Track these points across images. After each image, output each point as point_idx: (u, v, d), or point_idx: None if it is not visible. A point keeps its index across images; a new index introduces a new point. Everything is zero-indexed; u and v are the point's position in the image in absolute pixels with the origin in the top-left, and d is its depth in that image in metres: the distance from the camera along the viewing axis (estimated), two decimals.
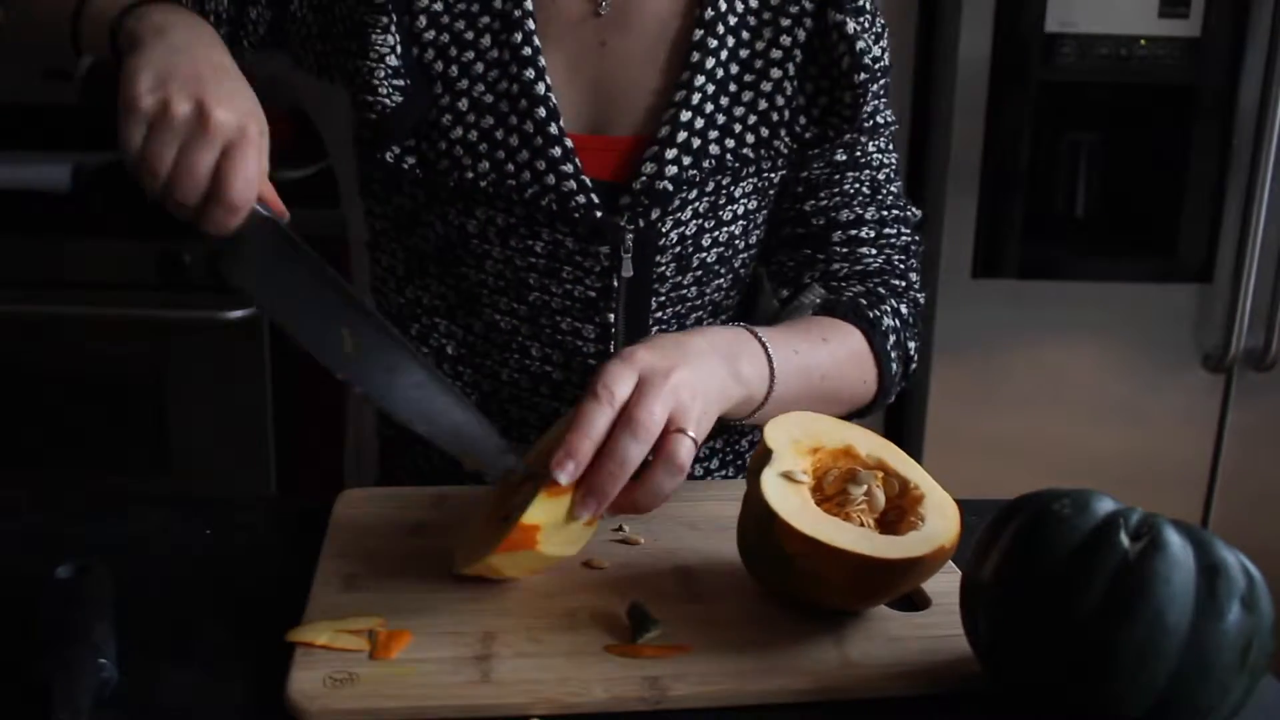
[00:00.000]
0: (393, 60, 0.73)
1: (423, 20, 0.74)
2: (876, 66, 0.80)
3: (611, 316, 0.77)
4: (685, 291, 0.79)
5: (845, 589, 0.59)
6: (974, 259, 1.63)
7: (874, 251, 0.81)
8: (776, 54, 0.77)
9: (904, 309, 0.80)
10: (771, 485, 0.59)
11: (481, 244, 0.76)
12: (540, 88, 0.74)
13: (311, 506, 0.72)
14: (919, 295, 0.82)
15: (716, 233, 0.78)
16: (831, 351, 0.74)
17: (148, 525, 0.70)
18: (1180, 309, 1.65)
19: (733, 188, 0.77)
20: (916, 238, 0.84)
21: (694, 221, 0.77)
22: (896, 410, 1.79)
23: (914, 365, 0.81)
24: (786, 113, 0.78)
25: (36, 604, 0.57)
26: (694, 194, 0.76)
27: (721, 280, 0.81)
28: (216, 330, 1.61)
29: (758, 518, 0.59)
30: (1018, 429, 1.67)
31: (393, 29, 0.73)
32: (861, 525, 0.60)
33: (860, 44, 0.78)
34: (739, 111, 0.76)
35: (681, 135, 0.75)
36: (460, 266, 0.78)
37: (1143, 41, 1.56)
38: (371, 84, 0.73)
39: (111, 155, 1.82)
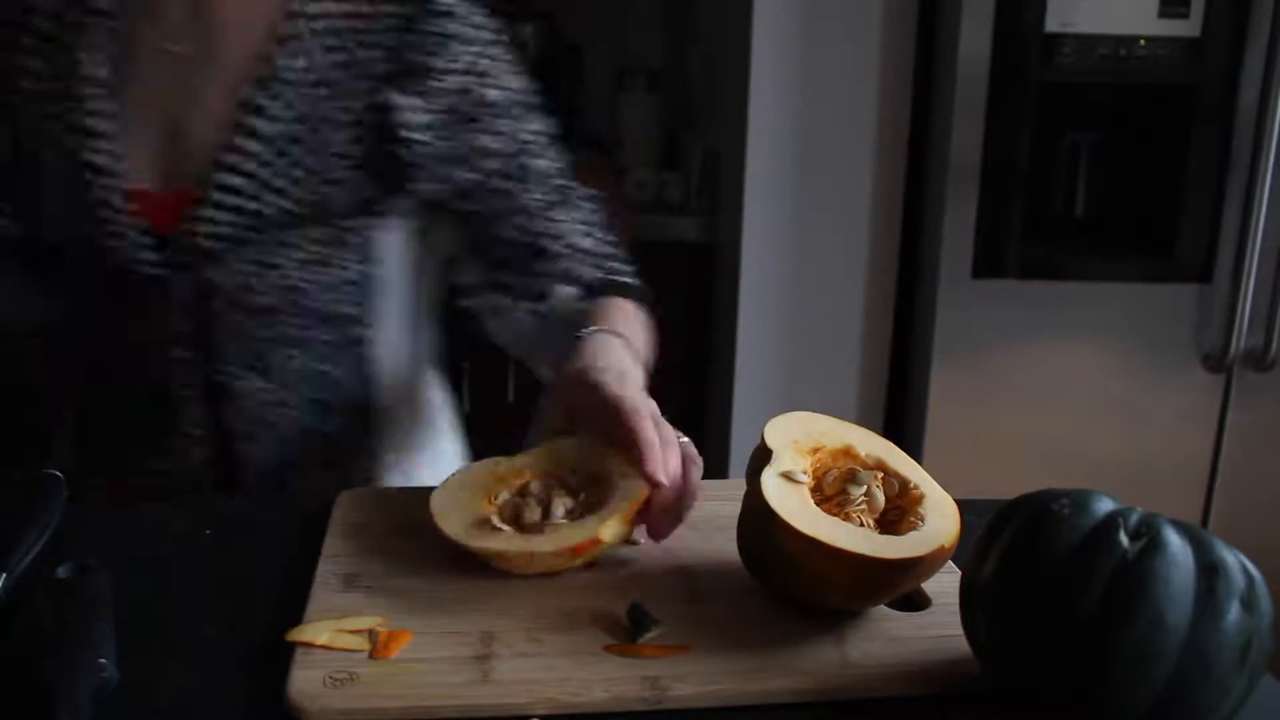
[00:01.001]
0: None
1: None
2: (468, 112, 0.82)
3: (178, 353, 0.81)
4: (248, 330, 0.82)
5: (845, 589, 0.59)
6: (974, 259, 1.63)
7: (582, 236, 0.87)
8: (343, 117, 0.79)
9: (619, 262, 0.89)
10: (771, 485, 0.59)
11: (48, 290, 0.82)
12: (100, 156, 0.76)
13: (311, 506, 0.72)
14: (615, 248, 0.90)
15: (274, 278, 0.80)
16: (628, 320, 0.82)
17: (147, 525, 0.70)
18: (1180, 309, 1.65)
19: (289, 235, 0.80)
20: (597, 200, 0.90)
21: (247, 269, 0.79)
22: (896, 410, 1.79)
23: (649, 296, 0.90)
24: (346, 174, 0.80)
25: (36, 604, 0.57)
26: (238, 247, 0.78)
27: (292, 318, 0.83)
28: None
29: (758, 518, 0.59)
30: (1017, 429, 1.67)
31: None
32: (861, 525, 0.60)
33: (408, 116, 0.79)
34: (296, 172, 0.78)
35: (224, 196, 0.77)
36: (48, 326, 0.84)
37: (1142, 41, 1.56)
38: None
39: None
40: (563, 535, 0.63)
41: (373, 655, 0.55)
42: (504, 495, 0.67)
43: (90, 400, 0.87)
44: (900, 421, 1.78)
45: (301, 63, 0.78)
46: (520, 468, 0.68)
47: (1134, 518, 0.51)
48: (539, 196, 0.86)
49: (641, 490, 0.64)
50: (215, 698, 0.53)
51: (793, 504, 0.58)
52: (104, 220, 0.77)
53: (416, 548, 0.67)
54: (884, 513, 0.62)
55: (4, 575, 0.59)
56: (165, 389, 0.83)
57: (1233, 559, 0.50)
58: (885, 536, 0.59)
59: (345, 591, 0.61)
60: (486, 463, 0.70)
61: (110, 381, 0.85)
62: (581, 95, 2.29)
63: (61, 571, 0.58)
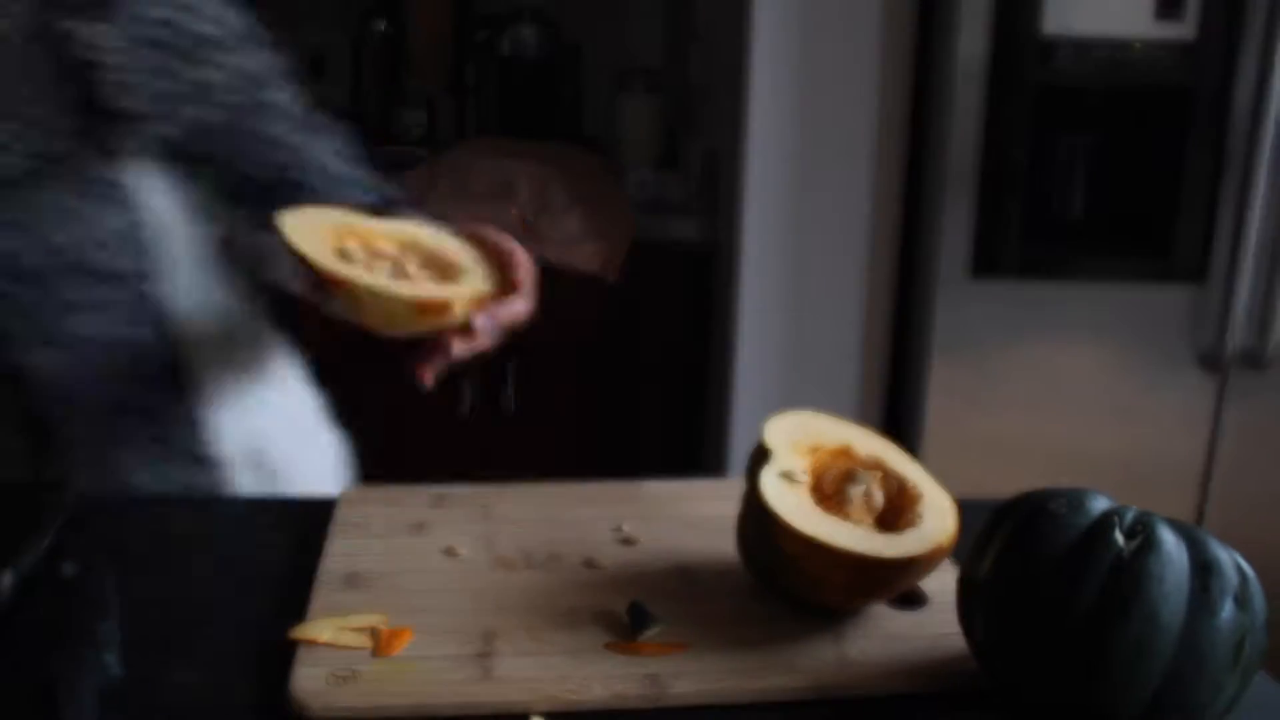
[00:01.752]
0: None
1: None
2: (188, 45, 0.79)
3: None
4: (32, 299, 0.79)
5: (844, 588, 0.59)
6: (972, 259, 1.64)
7: (336, 160, 0.86)
8: (36, 58, 0.76)
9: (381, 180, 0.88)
10: (770, 485, 0.60)
11: None
12: None
13: (313, 506, 0.73)
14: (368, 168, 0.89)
15: (34, 240, 0.77)
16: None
17: (150, 524, 0.71)
18: (1175, 309, 1.65)
19: (36, 195, 0.77)
20: (341, 130, 0.88)
21: (5, 236, 0.76)
22: (895, 409, 1.79)
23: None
24: (54, 122, 0.77)
25: (41, 603, 0.57)
26: None
27: (72, 281, 0.80)
28: None
29: (757, 518, 0.60)
30: (1015, 428, 1.68)
31: None
32: (860, 525, 0.60)
33: (100, 40, 0.76)
34: (11, 126, 0.75)
35: None
36: None
37: (1138, 45, 1.57)
38: None
39: None
40: (416, 287, 0.66)
41: (375, 653, 0.56)
42: (356, 248, 0.69)
43: None
44: (898, 420, 1.78)
45: None
46: (379, 232, 0.71)
47: (1129, 516, 0.52)
48: (281, 129, 0.85)
49: (489, 289, 0.69)
50: (218, 696, 0.54)
51: (791, 504, 0.59)
52: None
53: (417, 546, 0.67)
54: (882, 512, 0.62)
55: (9, 574, 0.60)
56: None
57: (1227, 557, 0.50)
58: (884, 536, 0.59)
59: (347, 590, 0.62)
60: (343, 213, 0.72)
61: None
62: (581, 95, 2.29)
63: (66, 570, 0.59)
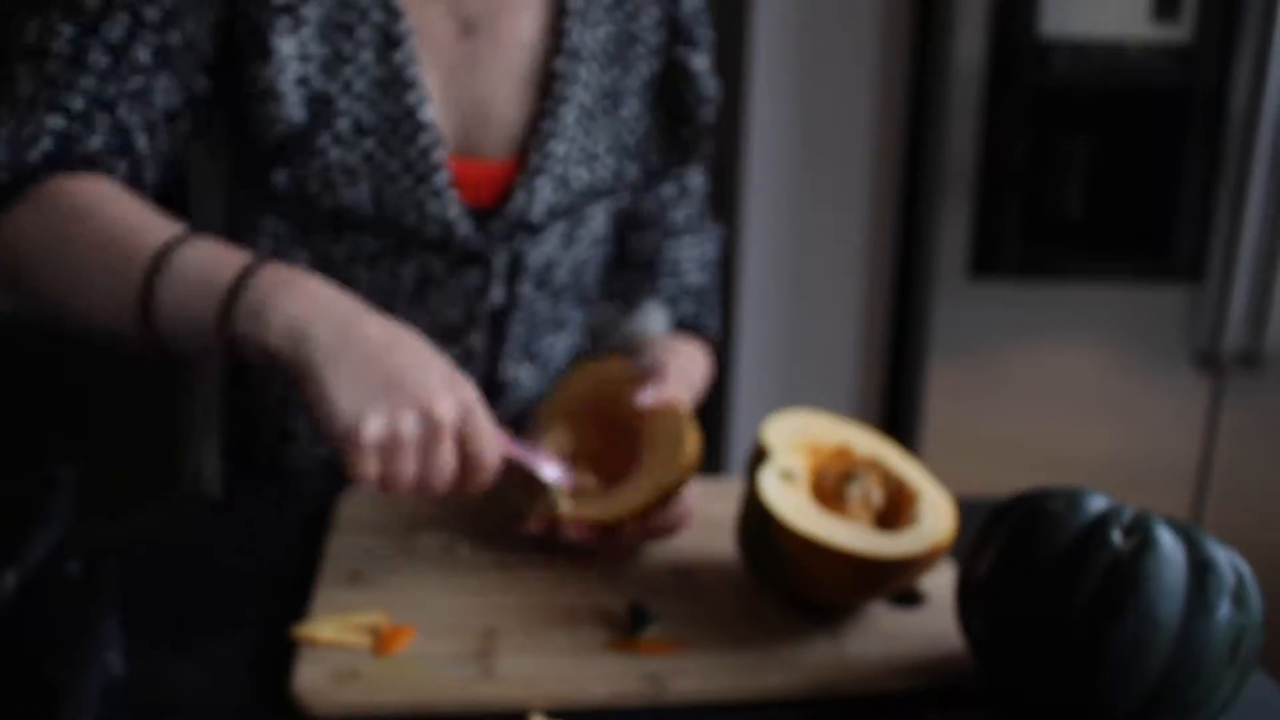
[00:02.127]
0: (296, 68, 0.68)
1: (307, 30, 0.68)
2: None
3: (474, 340, 0.78)
4: (540, 312, 0.81)
5: (843, 586, 0.59)
6: (970, 260, 1.65)
7: (696, 270, 0.90)
8: (633, 83, 0.79)
9: (718, 318, 0.93)
10: (769, 485, 0.60)
11: (348, 271, 0.74)
12: (425, 113, 0.71)
13: (315, 505, 0.73)
14: (720, 262, 0.94)
15: (573, 252, 0.81)
16: (692, 361, 0.83)
17: (155, 523, 0.71)
18: (1172, 309, 1.66)
19: (589, 211, 0.80)
20: (721, 240, 0.94)
21: (555, 245, 0.79)
22: (894, 409, 1.79)
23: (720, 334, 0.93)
24: (639, 143, 0.81)
25: (44, 601, 0.57)
26: (559, 220, 0.78)
27: (572, 296, 0.84)
28: None
29: (756, 517, 0.60)
30: (1013, 428, 1.68)
31: (296, 33, 0.68)
32: (859, 524, 0.60)
33: (703, 81, 0.81)
34: (600, 140, 0.78)
35: (550, 164, 0.75)
36: None
37: (1135, 46, 1.57)
38: (278, 91, 0.67)
39: None
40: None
41: (375, 652, 0.56)
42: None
43: None
44: (897, 420, 1.78)
45: (594, 32, 0.77)
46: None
47: (1126, 516, 0.52)
48: (683, 218, 0.88)
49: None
50: (220, 694, 0.54)
51: (790, 503, 0.59)
52: (424, 179, 0.71)
53: (419, 545, 0.67)
54: (881, 511, 0.62)
55: (11, 573, 0.60)
56: None
57: (1223, 556, 0.51)
58: (882, 534, 0.59)
59: (349, 588, 0.62)
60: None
61: None
62: None
63: (71, 568, 0.59)
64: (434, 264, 0.75)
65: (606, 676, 0.55)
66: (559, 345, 0.85)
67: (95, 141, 0.64)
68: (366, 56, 0.70)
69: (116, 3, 0.64)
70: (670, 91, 0.81)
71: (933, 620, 0.61)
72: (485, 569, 0.65)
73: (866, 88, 1.68)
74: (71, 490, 0.67)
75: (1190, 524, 0.52)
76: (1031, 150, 1.62)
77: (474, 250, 0.75)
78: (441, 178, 0.72)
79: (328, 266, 0.75)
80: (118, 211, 0.60)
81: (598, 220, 0.81)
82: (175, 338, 0.58)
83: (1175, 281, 1.65)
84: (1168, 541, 0.50)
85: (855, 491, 0.62)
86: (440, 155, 0.72)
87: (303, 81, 0.69)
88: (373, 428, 0.54)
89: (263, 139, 0.70)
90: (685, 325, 0.88)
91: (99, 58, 0.64)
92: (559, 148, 0.75)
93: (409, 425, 0.55)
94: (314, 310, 0.56)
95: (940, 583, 0.64)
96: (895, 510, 0.62)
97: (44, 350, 1.65)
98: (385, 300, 0.75)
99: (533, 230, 0.76)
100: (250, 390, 0.84)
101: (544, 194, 0.76)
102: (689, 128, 0.83)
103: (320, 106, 0.70)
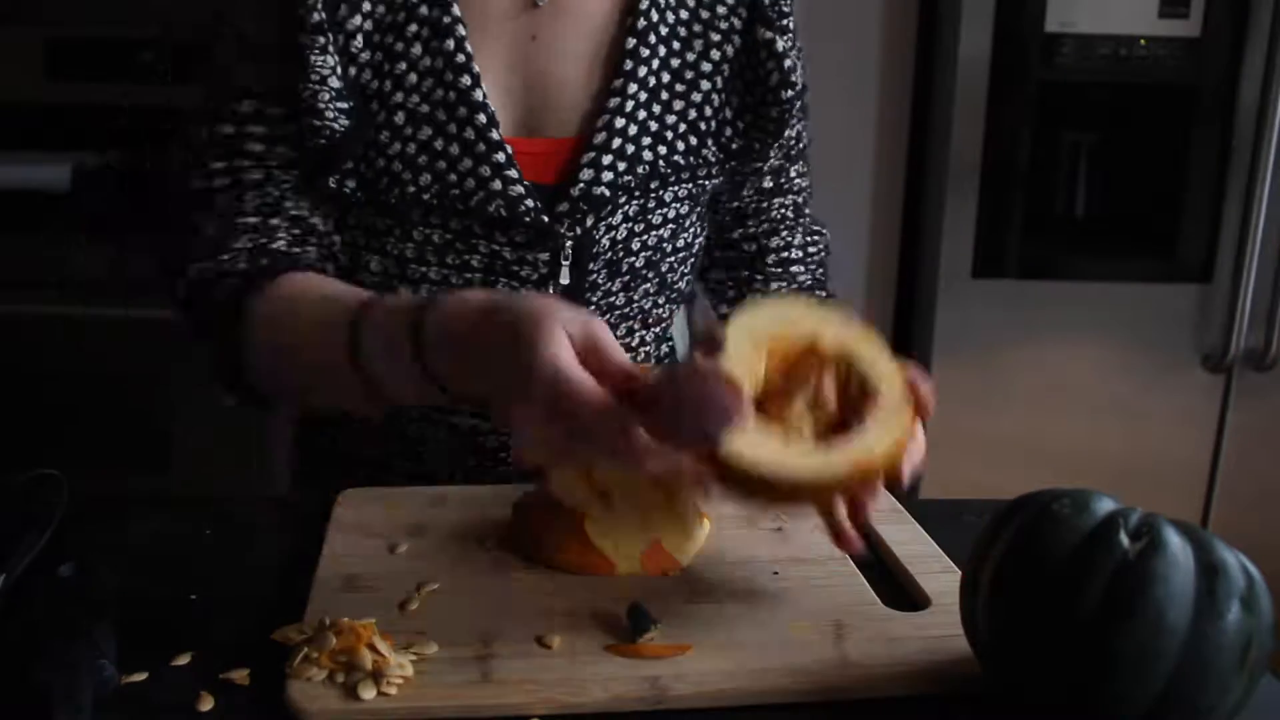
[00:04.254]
0: (334, 82, 0.72)
1: (358, 40, 0.73)
2: (801, 85, 0.83)
3: None
4: (615, 299, 0.81)
5: (757, 501, 0.55)
6: (974, 259, 1.64)
7: (803, 270, 0.89)
8: (706, 66, 0.79)
9: (827, 288, 0.90)
10: None
11: (418, 267, 0.76)
12: (478, 94, 0.73)
13: (311, 506, 0.72)
14: (833, 291, 0.92)
15: (645, 237, 0.80)
16: None
17: (148, 525, 0.70)
18: (1180, 309, 1.65)
19: (663, 193, 0.79)
20: (829, 244, 0.92)
21: (624, 226, 0.78)
22: None
23: None
24: (714, 123, 0.80)
25: (36, 604, 0.57)
26: (627, 199, 0.77)
27: (648, 286, 0.82)
28: None
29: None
30: (1018, 429, 1.67)
31: (330, 50, 0.71)
32: (795, 435, 0.55)
33: (788, 62, 0.81)
34: (670, 119, 0.78)
35: (617, 141, 0.75)
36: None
37: (1142, 41, 1.56)
38: (317, 108, 0.72)
39: (112, 155, 1.82)
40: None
41: (373, 655, 0.55)
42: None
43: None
44: None
45: (668, 14, 0.77)
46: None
47: (1134, 518, 0.51)
48: (785, 210, 0.88)
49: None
50: (216, 697, 0.53)
51: None
52: (483, 160, 0.73)
53: (417, 548, 0.67)
54: (843, 413, 0.57)
55: (3, 575, 0.59)
56: None
57: (1233, 559, 0.50)
58: (800, 451, 0.54)
59: (346, 591, 0.61)
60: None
61: None
62: None
63: (63, 570, 0.58)
64: (501, 249, 0.75)
65: (607, 680, 0.54)
66: (641, 339, 0.83)
67: (281, 242, 0.73)
68: (416, 50, 0.73)
69: (236, 124, 0.73)
70: (751, 72, 0.80)
71: (936, 623, 0.60)
72: (485, 572, 0.64)
73: (871, 84, 1.67)
74: (64, 493, 0.66)
75: (1199, 527, 0.52)
76: (1037, 147, 1.62)
77: (541, 228, 0.75)
78: (501, 156, 0.73)
79: (398, 265, 0.76)
80: (306, 297, 0.68)
81: (673, 204, 0.80)
82: (385, 381, 0.60)
83: (1184, 281, 1.64)
84: (1176, 544, 0.49)
85: (798, 402, 0.56)
86: (497, 134, 0.73)
87: (354, 88, 0.73)
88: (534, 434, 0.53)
89: (312, 151, 0.73)
90: None
91: (221, 179, 0.73)
92: (624, 124, 0.75)
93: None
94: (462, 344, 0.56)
95: (944, 585, 0.64)
96: (859, 412, 0.57)
97: (40, 352, 1.66)
98: (457, 279, 0.77)
99: (598, 207, 0.76)
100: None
101: (609, 170, 0.75)
102: (774, 108, 0.81)
103: (374, 106, 0.73)
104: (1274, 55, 1.54)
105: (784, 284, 0.89)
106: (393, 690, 0.53)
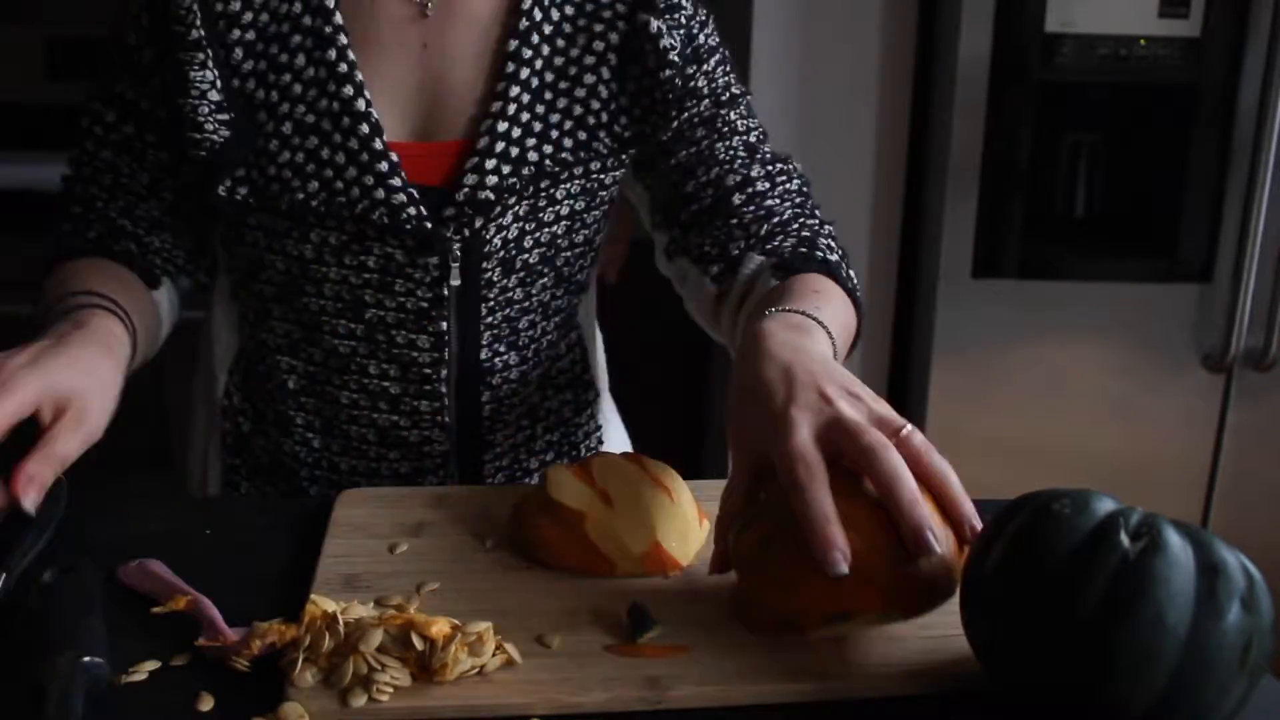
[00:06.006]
0: (214, 95, 0.74)
1: (239, 52, 0.75)
2: (701, 50, 0.81)
3: (444, 325, 0.79)
4: (511, 294, 0.81)
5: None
6: (974, 259, 1.63)
7: (778, 201, 0.82)
8: (590, 59, 0.79)
9: (834, 242, 0.81)
10: None
11: (319, 268, 0.78)
12: (360, 103, 0.74)
13: (311, 506, 0.72)
14: (831, 227, 0.84)
15: (538, 234, 0.80)
16: (828, 300, 0.73)
17: (148, 525, 0.70)
18: (1180, 309, 1.65)
19: (554, 189, 0.79)
20: (807, 181, 0.85)
21: (515, 225, 0.79)
22: (896, 409, 1.79)
23: (859, 291, 0.81)
24: (605, 115, 0.79)
25: (26, 605, 0.57)
26: (515, 200, 0.78)
27: (545, 280, 0.83)
28: None
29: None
30: (1017, 429, 1.67)
31: (210, 64, 0.74)
32: None
33: (665, 41, 0.79)
34: (555, 118, 0.78)
35: (500, 145, 0.76)
36: (301, 298, 0.80)
37: (1142, 41, 1.56)
38: (196, 121, 0.74)
39: None
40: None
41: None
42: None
43: (333, 381, 0.82)
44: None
45: (552, 11, 0.78)
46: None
47: (1135, 518, 0.51)
48: (733, 151, 0.82)
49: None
50: (215, 697, 0.53)
51: None
52: (366, 169, 0.74)
53: (417, 547, 0.67)
54: None
55: (3, 575, 0.59)
56: (417, 370, 0.80)
57: (1233, 559, 0.50)
58: None
59: (345, 592, 0.61)
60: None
61: (360, 355, 0.81)
62: None
63: (48, 575, 0.58)
64: (394, 251, 0.77)
65: (607, 680, 0.54)
66: (543, 330, 0.85)
67: (91, 234, 0.80)
68: (300, 60, 0.75)
69: (90, 119, 0.80)
70: (636, 57, 0.79)
71: (937, 623, 0.60)
72: (485, 572, 0.64)
73: (871, 84, 1.67)
74: (63, 495, 0.66)
75: (1199, 527, 0.52)
76: (1037, 147, 1.61)
77: (423, 235, 0.76)
78: (384, 165, 0.75)
79: (300, 266, 0.78)
80: (62, 280, 0.78)
81: (565, 201, 0.80)
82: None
83: (1184, 281, 1.64)
84: (1176, 545, 0.49)
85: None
86: (381, 142, 0.75)
87: (237, 99, 0.75)
88: None
89: (196, 162, 0.77)
90: (793, 264, 0.76)
91: (84, 169, 0.81)
92: (507, 127, 0.76)
93: None
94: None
95: None
96: None
97: None
98: (357, 291, 0.79)
99: (484, 210, 0.76)
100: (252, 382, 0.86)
101: (493, 174, 0.76)
102: (657, 90, 0.79)
103: (262, 116, 0.75)
104: (1274, 55, 1.54)
105: (762, 221, 0.80)
106: (385, 696, 0.52)
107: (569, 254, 0.84)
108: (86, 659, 0.52)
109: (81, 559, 0.59)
